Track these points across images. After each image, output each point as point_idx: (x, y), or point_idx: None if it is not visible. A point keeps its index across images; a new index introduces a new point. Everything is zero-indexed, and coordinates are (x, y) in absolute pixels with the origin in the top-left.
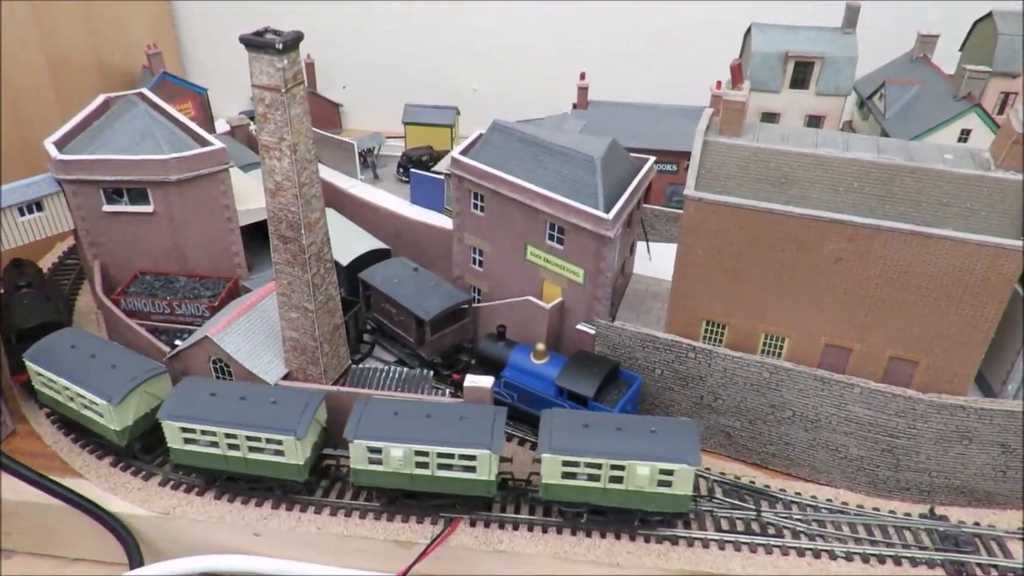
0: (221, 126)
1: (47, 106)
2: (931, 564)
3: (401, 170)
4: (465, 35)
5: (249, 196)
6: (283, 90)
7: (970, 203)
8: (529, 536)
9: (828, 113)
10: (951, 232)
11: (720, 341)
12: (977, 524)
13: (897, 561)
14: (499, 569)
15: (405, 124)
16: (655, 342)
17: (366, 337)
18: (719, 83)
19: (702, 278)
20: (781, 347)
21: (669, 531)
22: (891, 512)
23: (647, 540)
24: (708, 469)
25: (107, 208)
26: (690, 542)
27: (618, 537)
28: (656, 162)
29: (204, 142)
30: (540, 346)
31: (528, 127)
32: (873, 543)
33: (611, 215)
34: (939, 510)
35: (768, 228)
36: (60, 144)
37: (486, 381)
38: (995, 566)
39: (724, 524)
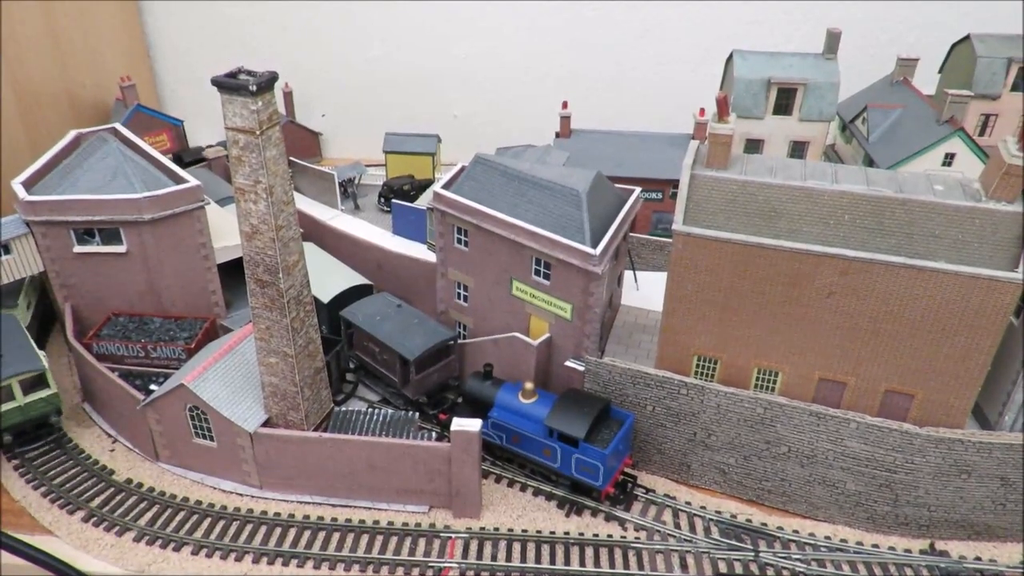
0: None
1: (16, 142)
2: None
3: (382, 200)
4: (446, 62)
5: (226, 233)
6: (258, 132)
7: (962, 235)
8: None
9: (812, 139)
10: (944, 264)
11: (712, 376)
12: (978, 559)
13: None
14: None
15: (386, 153)
16: (646, 378)
17: (349, 376)
18: (702, 110)
19: (692, 313)
20: (775, 382)
21: (667, 574)
22: (891, 548)
23: None
24: (704, 507)
25: (78, 249)
26: None
27: None
28: (641, 191)
29: (179, 179)
30: (528, 385)
31: (511, 160)
32: None
33: (598, 250)
34: (939, 545)
35: (758, 262)
36: (28, 184)
37: (473, 424)
38: None
39: (722, 566)
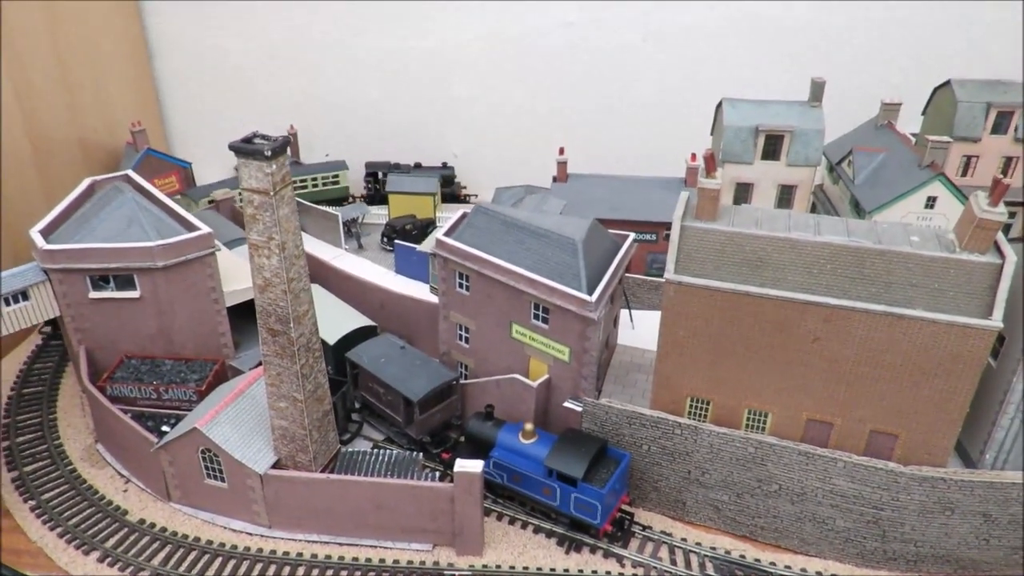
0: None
1: (30, 187)
2: None
3: (385, 239)
4: (447, 104)
5: (235, 276)
6: (272, 193)
7: (938, 284)
8: None
9: (800, 182)
10: (921, 312)
11: (705, 417)
12: None
13: None
14: None
15: (388, 193)
16: (641, 419)
17: (355, 416)
18: (693, 155)
19: (685, 356)
20: (765, 422)
21: None
22: None
23: None
24: (699, 544)
25: (93, 295)
26: None
27: None
28: (636, 234)
29: (191, 227)
30: (528, 426)
31: (510, 209)
32: None
33: (594, 297)
34: None
35: (746, 309)
36: (46, 232)
37: (475, 465)
38: None
39: None
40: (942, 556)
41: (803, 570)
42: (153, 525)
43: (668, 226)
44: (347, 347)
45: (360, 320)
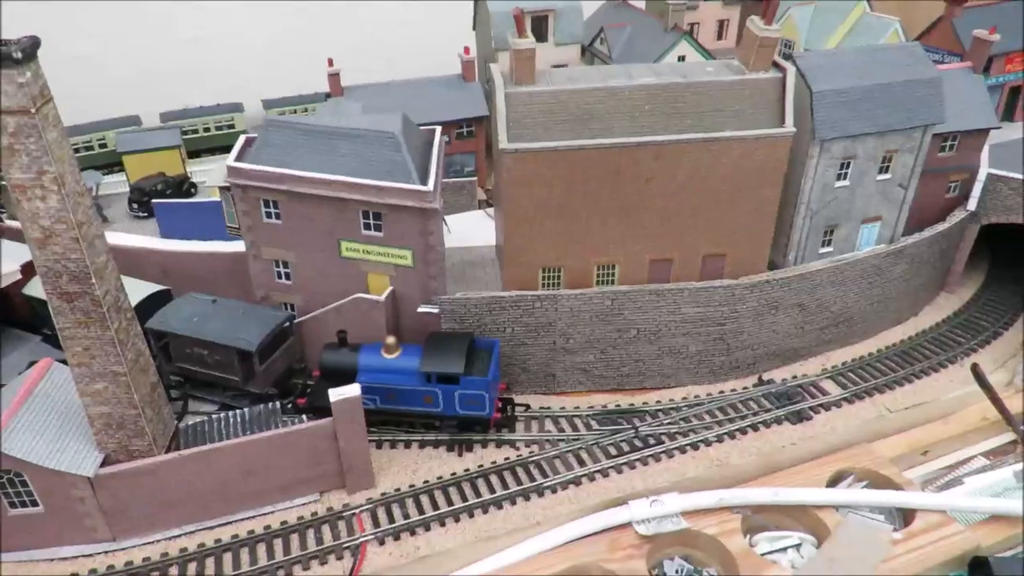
0: None
1: None
2: (779, 421)
3: (135, 206)
4: (177, 48)
5: None
6: (33, 110)
7: (738, 105)
8: (444, 530)
9: (570, 60)
10: (731, 132)
11: (559, 284)
12: (795, 377)
13: (755, 427)
14: (433, 570)
15: (122, 154)
16: (500, 302)
17: (173, 393)
18: (467, 48)
19: (532, 228)
20: (614, 274)
21: (577, 472)
22: (732, 391)
23: (554, 491)
24: (577, 407)
25: None
26: (591, 476)
27: (527, 498)
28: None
29: None
30: (391, 340)
31: (308, 118)
32: (731, 420)
33: (430, 186)
34: (765, 376)
35: (583, 164)
36: None
37: (353, 389)
38: (821, 405)
39: (612, 450)
40: (773, 352)
41: (671, 400)
42: None
43: (460, 124)
44: (142, 319)
45: (148, 287)
